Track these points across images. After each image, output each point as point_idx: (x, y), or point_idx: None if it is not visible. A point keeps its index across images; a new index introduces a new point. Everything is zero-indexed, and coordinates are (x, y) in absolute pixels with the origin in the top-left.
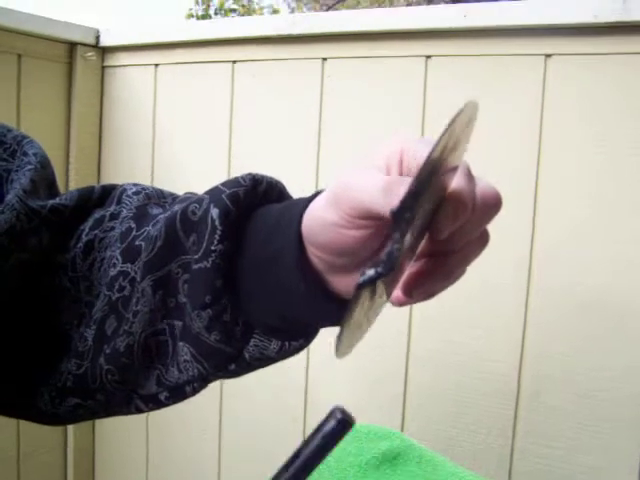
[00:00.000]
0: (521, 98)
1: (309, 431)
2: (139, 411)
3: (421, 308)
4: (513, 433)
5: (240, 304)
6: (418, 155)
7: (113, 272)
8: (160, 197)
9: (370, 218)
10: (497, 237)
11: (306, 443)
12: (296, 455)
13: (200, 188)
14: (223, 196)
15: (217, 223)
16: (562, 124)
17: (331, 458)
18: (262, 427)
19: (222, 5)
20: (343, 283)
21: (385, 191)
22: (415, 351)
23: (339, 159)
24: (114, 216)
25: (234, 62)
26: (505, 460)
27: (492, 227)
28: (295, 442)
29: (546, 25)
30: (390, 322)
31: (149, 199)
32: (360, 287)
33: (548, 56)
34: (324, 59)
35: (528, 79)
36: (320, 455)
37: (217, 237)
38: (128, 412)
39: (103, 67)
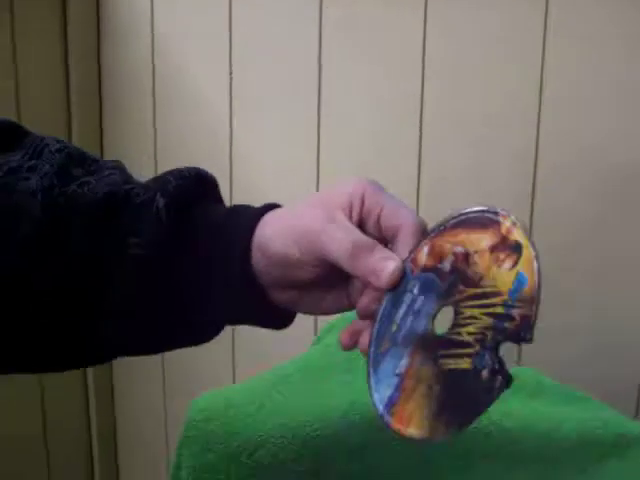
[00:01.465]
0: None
1: None
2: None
3: None
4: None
5: (169, 298)
6: (382, 202)
7: (29, 227)
8: (82, 158)
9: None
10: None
11: None
12: None
13: (200, 93)
14: (170, 187)
15: (163, 213)
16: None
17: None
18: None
19: None
20: (275, 296)
21: (352, 256)
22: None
23: (341, 53)
24: (31, 169)
25: None
26: None
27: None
28: (307, 345)
29: None
30: None
31: (71, 159)
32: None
33: None
34: None
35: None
36: None
37: (161, 228)
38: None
39: None
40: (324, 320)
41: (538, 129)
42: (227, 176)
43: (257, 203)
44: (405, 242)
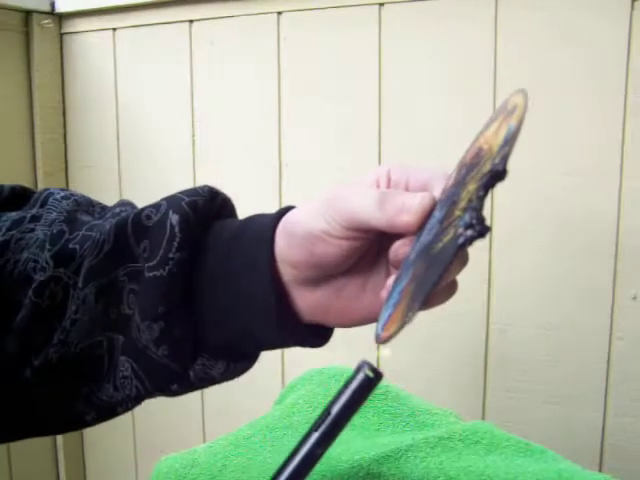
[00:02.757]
0: (473, 40)
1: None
2: (53, 434)
3: None
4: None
5: (194, 318)
6: (408, 171)
7: (42, 277)
8: (89, 205)
9: (361, 230)
10: None
11: (335, 401)
12: (327, 412)
13: (165, 153)
14: (183, 203)
15: (177, 230)
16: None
17: (301, 400)
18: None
19: None
20: (305, 299)
21: (380, 203)
22: None
23: (300, 109)
24: (36, 218)
25: (191, 22)
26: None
27: None
28: (275, 397)
29: None
30: None
31: (78, 206)
32: (462, 247)
33: None
34: (279, 13)
35: (481, 21)
36: (350, 412)
37: (176, 244)
38: (39, 435)
39: (61, 34)
40: (291, 376)
41: None
42: None
43: None
44: (436, 188)
